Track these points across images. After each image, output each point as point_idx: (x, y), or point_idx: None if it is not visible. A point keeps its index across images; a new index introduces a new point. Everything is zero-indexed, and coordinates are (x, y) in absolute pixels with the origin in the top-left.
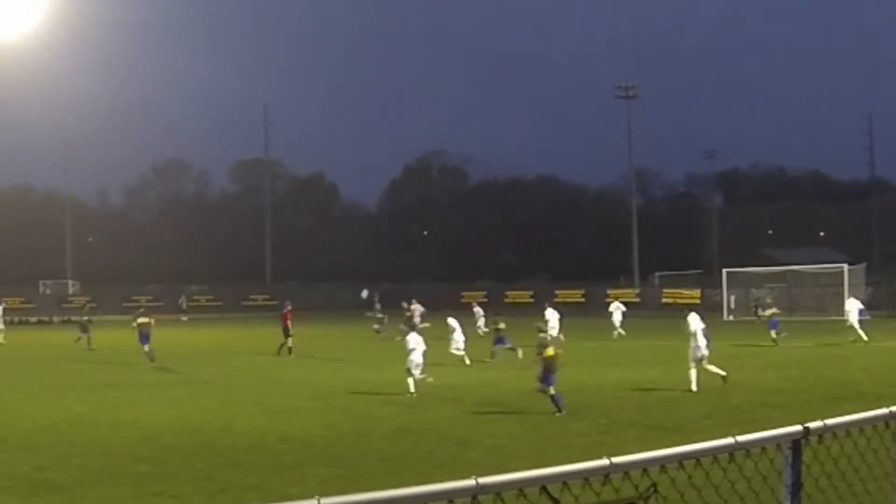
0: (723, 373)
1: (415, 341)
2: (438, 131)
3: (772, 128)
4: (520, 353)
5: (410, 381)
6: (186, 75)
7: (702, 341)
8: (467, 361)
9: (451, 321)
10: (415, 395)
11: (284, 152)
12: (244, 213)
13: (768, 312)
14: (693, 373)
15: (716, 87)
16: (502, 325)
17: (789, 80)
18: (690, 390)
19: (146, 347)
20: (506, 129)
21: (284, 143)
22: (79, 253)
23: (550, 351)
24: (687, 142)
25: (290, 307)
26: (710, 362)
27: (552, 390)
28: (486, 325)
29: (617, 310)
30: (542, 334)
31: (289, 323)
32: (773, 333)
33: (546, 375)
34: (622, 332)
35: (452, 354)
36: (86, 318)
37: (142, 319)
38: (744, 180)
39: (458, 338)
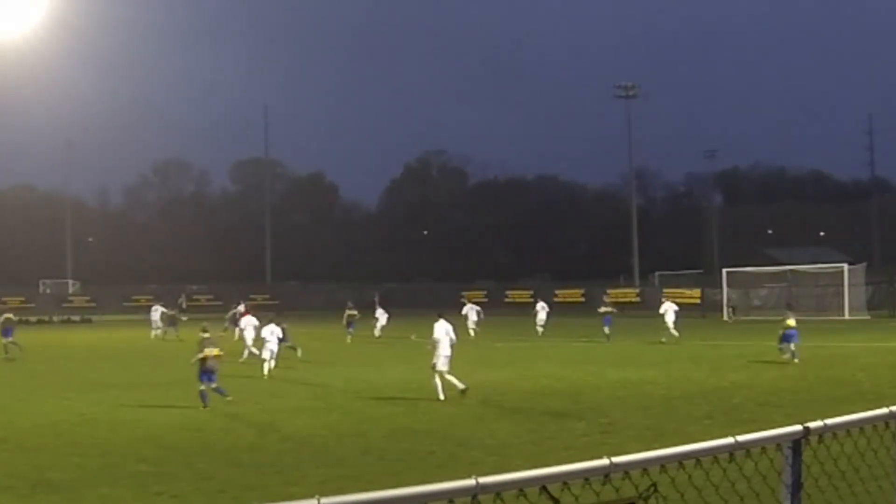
0: (462, 386)
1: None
2: (438, 131)
3: (772, 128)
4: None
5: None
6: (187, 75)
7: (445, 350)
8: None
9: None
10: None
11: (285, 152)
12: (244, 212)
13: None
14: (437, 381)
15: (716, 87)
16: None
17: (789, 80)
18: (439, 399)
19: (5, 340)
20: (506, 130)
21: (285, 143)
22: (79, 253)
23: (208, 352)
24: (687, 142)
25: (243, 306)
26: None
27: (209, 386)
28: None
29: (670, 309)
30: (204, 334)
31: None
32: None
33: (203, 374)
34: (675, 332)
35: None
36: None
37: (7, 315)
38: (744, 180)
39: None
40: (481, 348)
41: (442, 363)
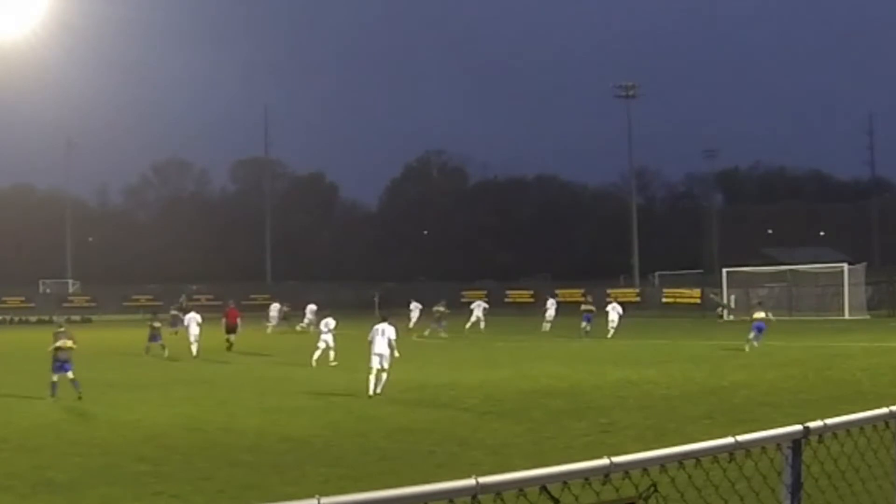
0: (373, 391)
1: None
2: (438, 131)
3: (772, 127)
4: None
5: None
6: (187, 75)
7: (378, 349)
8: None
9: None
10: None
11: (285, 152)
12: (244, 212)
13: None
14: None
15: (716, 86)
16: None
17: (789, 79)
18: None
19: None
20: (505, 129)
21: (285, 142)
22: (79, 252)
23: (59, 344)
24: (687, 141)
25: (233, 305)
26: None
27: (62, 376)
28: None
29: (613, 310)
30: (59, 329)
31: (238, 321)
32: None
33: (56, 365)
34: (613, 330)
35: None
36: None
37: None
38: (744, 180)
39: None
40: (481, 348)
41: (375, 361)
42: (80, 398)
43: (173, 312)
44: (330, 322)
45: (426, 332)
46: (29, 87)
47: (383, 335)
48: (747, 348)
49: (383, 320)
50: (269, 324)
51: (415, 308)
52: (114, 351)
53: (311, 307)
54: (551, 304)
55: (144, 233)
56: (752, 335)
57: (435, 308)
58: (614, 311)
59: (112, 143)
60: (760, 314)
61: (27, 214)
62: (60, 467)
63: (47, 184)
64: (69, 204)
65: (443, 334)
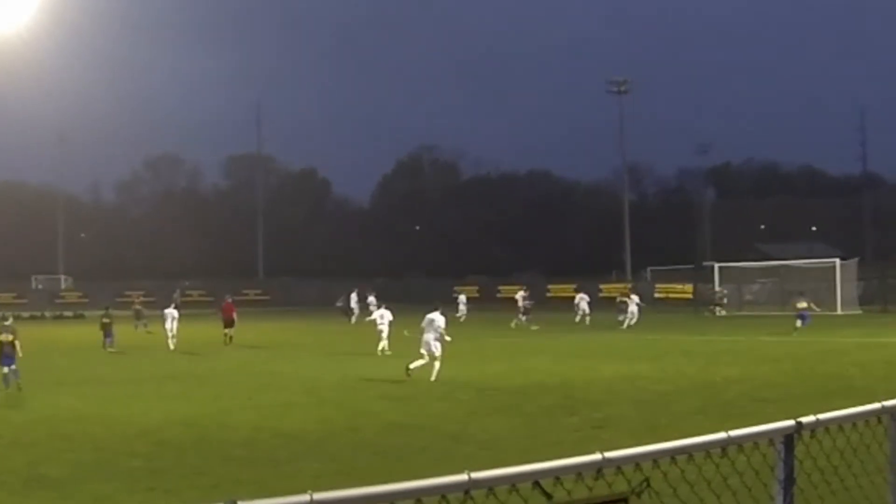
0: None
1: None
2: (430, 127)
3: (764, 123)
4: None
5: None
6: (179, 70)
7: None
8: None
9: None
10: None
11: (277, 148)
12: (237, 208)
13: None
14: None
15: (708, 82)
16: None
17: (782, 75)
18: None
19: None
20: (498, 125)
21: (277, 138)
22: (71, 248)
23: (3, 338)
24: (679, 137)
25: (230, 300)
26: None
27: (10, 369)
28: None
29: (582, 301)
30: (4, 322)
31: (234, 315)
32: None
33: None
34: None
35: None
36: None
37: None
38: (736, 175)
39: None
40: (474, 343)
41: (425, 349)
42: (19, 389)
43: (136, 308)
44: (385, 313)
45: (513, 325)
46: (21, 82)
47: (432, 324)
48: (795, 333)
49: (435, 310)
50: (354, 314)
51: (462, 302)
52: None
53: (371, 298)
54: (581, 299)
55: (137, 229)
56: (798, 324)
57: (521, 301)
58: (633, 304)
59: (104, 138)
60: (803, 304)
61: (19, 210)
62: (53, 463)
63: (39, 179)
64: (61, 199)
65: (533, 327)
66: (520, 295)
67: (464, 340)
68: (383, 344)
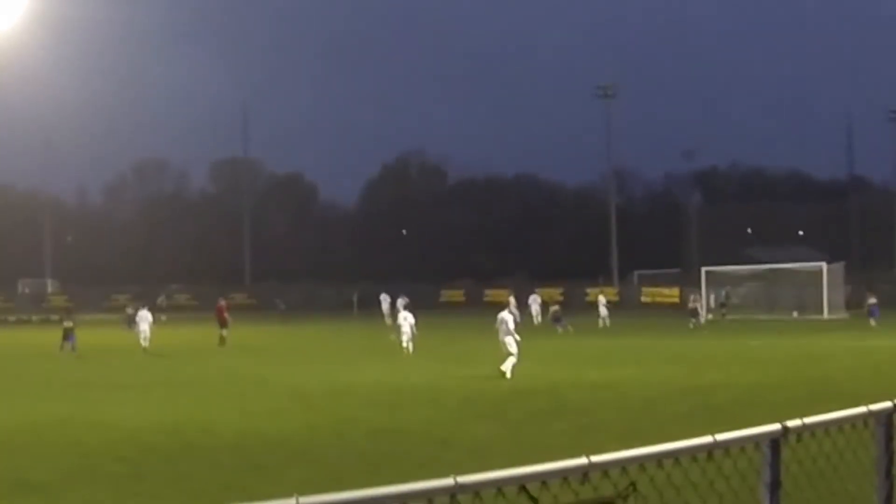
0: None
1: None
2: (417, 131)
3: (751, 127)
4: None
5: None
6: (166, 74)
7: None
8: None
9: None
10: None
11: (263, 152)
12: (223, 212)
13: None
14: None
15: (695, 86)
16: None
17: (768, 79)
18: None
19: None
20: (484, 129)
21: (263, 142)
22: (58, 252)
23: None
24: (666, 141)
25: (223, 301)
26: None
27: None
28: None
29: (534, 303)
30: None
31: (226, 315)
32: (872, 322)
33: None
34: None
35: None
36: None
37: None
38: (723, 179)
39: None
40: (459, 348)
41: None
42: None
43: (129, 312)
44: (408, 316)
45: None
46: (7, 85)
47: (503, 323)
48: (873, 323)
49: (503, 310)
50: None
51: (536, 303)
52: (92, 350)
53: (401, 301)
54: (600, 303)
55: (123, 232)
56: (872, 323)
57: (552, 308)
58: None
59: (91, 142)
60: (873, 300)
61: (5, 214)
62: (39, 468)
63: (26, 183)
64: (48, 203)
65: (569, 328)
66: (553, 308)
67: (449, 344)
68: (407, 344)
